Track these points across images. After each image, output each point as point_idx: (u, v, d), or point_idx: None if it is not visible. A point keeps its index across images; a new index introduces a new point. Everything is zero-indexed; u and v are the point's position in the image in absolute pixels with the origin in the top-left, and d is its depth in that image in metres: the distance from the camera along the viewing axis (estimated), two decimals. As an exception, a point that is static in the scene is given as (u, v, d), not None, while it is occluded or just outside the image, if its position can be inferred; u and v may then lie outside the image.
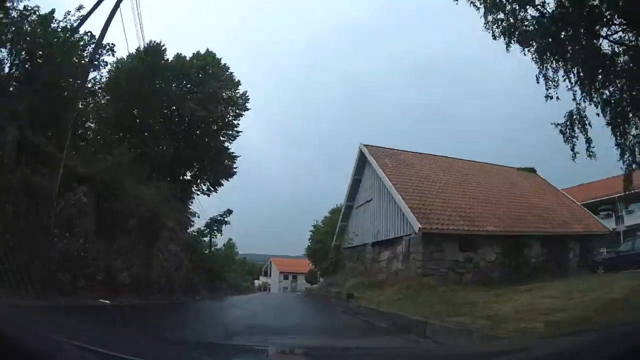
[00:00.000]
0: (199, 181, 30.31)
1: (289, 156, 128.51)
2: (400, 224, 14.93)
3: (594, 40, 8.60)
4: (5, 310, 1.97)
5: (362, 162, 20.01)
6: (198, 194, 30.77)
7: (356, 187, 20.84)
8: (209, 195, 30.38)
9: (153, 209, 14.37)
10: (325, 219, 32.84)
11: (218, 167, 28.61)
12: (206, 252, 27.22)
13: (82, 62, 15.80)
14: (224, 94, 28.76)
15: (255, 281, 77.22)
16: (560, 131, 9.28)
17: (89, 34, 14.28)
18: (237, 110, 29.51)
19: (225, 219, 30.22)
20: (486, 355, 2.19)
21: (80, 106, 15.60)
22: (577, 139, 9.06)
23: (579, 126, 9.02)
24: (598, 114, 8.89)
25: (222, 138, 29.26)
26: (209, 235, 28.20)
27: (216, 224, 29.19)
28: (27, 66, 12.66)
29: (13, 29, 11.97)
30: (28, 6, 12.45)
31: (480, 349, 3.06)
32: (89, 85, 17.82)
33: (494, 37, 9.22)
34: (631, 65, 8.44)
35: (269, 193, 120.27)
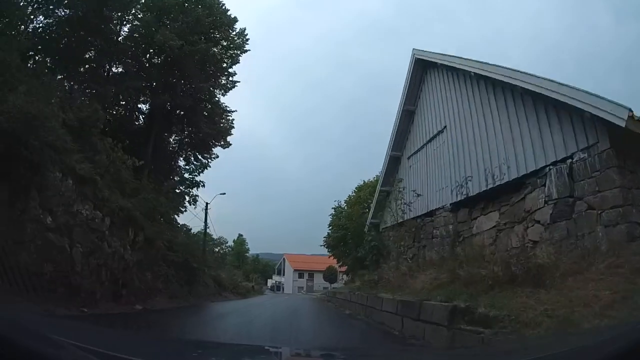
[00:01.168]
0: (185, 148, 23.12)
1: (305, 153, 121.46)
2: (533, 146, 7.01)
3: None
4: (6, 311, 1.89)
5: (417, 80, 12.21)
6: (187, 168, 23.77)
7: (406, 125, 13.05)
8: (196, 167, 23.14)
9: (28, 122, 6.99)
10: (350, 198, 25.07)
11: (207, 124, 21.19)
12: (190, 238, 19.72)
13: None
14: (216, 34, 21.50)
15: (269, 280, 70.66)
16: None
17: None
18: (234, 52, 22.16)
19: (197, 179, 22.97)
20: (486, 356, 2.16)
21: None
22: None
23: None
24: None
25: (213, 89, 21.94)
26: (172, 203, 20.17)
27: (183, 185, 21.47)
28: None
29: None
30: None
31: (481, 350, 2.89)
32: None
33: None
34: None
35: (286, 191, 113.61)
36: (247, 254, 71.83)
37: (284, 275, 59.67)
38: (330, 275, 51.90)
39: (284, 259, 60.72)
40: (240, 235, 73.20)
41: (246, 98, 69.03)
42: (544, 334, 3.38)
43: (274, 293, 56.13)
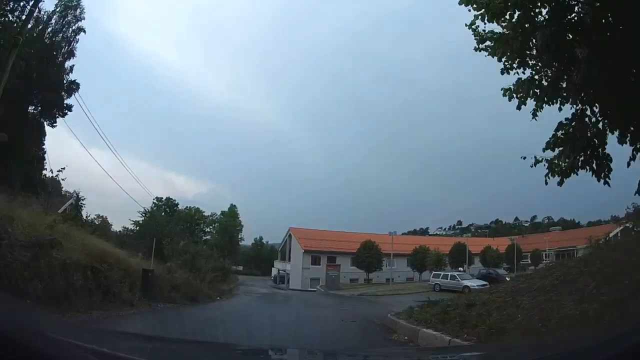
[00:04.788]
0: None
1: (324, 145, 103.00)
2: None
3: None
4: (9, 312, 1.54)
5: None
6: None
7: None
8: None
9: None
10: None
11: None
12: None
13: None
14: None
15: (272, 269, 49.86)
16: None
17: None
18: None
19: None
20: (487, 356, 2.09)
21: None
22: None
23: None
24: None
25: None
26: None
27: None
28: None
29: None
30: None
31: (481, 350, 2.77)
32: None
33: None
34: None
35: (307, 182, 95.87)
36: (241, 234, 50.94)
37: (289, 260, 38.40)
38: (366, 257, 28.71)
39: (289, 235, 39.26)
40: (232, 206, 52.26)
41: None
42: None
43: (275, 289, 35.26)
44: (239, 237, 50.32)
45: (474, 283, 20.15)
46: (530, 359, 1.57)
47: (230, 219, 46.48)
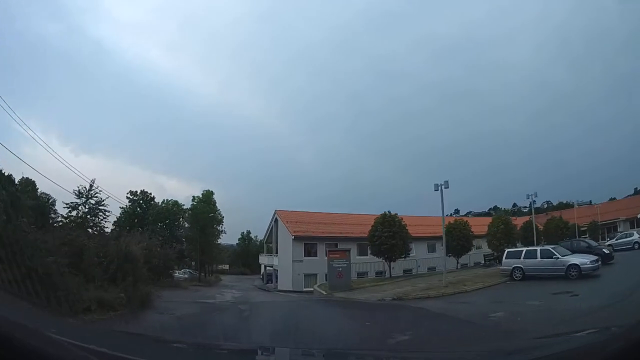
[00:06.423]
0: None
1: (314, 142, 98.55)
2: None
3: None
4: (10, 312, 1.85)
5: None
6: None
7: None
8: None
9: None
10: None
11: None
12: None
13: None
14: None
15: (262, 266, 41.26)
16: None
17: None
18: None
19: None
20: (487, 355, 2.10)
21: None
22: None
23: None
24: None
25: None
26: None
27: None
28: None
29: None
30: None
31: (481, 349, 2.84)
32: None
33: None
34: None
35: (300, 177, 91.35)
36: (221, 226, 41.06)
37: (277, 253, 29.45)
38: (387, 239, 17.55)
39: (275, 219, 30.24)
40: (208, 191, 42.23)
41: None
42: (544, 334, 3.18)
43: (257, 291, 26.42)
44: (219, 228, 40.76)
45: (584, 259, 11.78)
46: (531, 358, 1.52)
47: (204, 206, 36.93)
